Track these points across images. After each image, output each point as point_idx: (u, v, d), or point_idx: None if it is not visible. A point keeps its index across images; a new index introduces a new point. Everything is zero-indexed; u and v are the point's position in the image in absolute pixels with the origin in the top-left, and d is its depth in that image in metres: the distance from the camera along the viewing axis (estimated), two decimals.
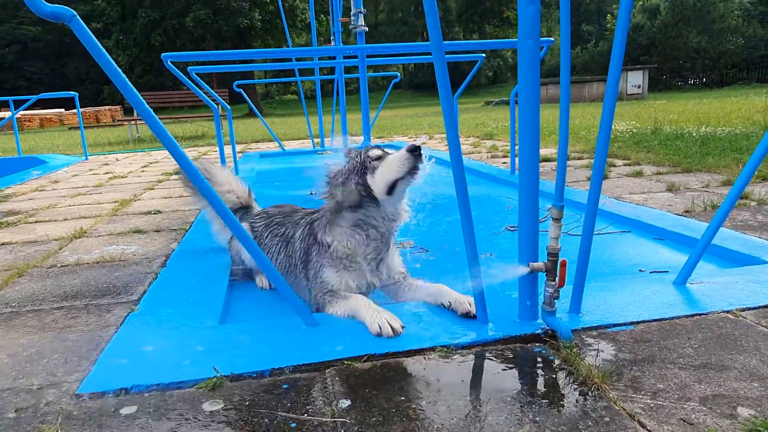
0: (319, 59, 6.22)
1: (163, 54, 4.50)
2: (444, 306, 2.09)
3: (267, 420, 1.46)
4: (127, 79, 1.69)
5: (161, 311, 2.26)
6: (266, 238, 2.62)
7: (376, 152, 2.13)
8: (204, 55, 4.57)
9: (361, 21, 4.76)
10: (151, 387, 1.65)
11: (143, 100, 1.73)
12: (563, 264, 1.78)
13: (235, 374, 1.70)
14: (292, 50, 4.78)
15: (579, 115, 13.93)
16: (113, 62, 1.66)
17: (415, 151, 1.97)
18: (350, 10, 4.81)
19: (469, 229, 1.81)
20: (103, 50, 1.64)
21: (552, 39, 4.72)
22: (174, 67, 4.59)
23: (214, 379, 1.67)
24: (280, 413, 1.49)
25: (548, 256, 1.82)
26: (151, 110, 1.73)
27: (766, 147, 2.02)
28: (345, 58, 5.96)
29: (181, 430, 1.43)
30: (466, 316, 1.98)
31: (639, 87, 25.21)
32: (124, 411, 1.53)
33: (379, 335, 1.87)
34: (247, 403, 1.55)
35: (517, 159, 1.83)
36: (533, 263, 1.83)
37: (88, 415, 1.52)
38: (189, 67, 5.37)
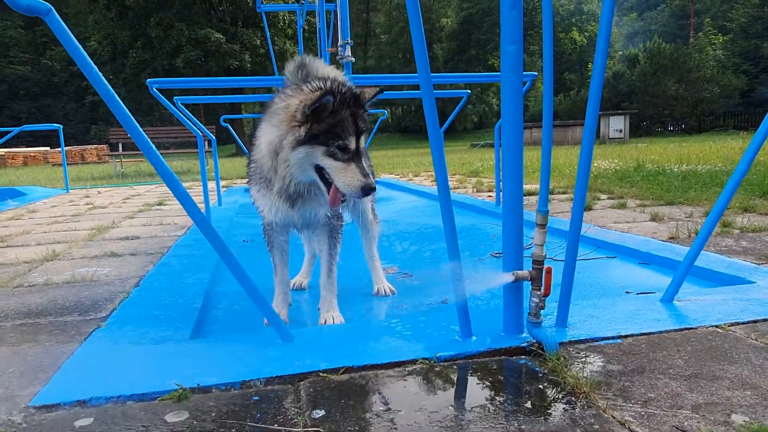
0: None
1: (148, 80, 4.50)
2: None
3: (234, 430, 1.35)
4: (103, 79, 1.65)
5: (130, 327, 2.15)
6: None
7: (352, 145, 1.89)
8: (189, 81, 4.58)
9: (348, 52, 4.82)
10: (110, 399, 1.54)
11: (123, 106, 1.68)
12: (548, 271, 1.72)
13: (202, 386, 1.59)
14: (277, 78, 4.81)
15: (562, 156, 14.14)
16: (89, 60, 1.62)
17: (368, 194, 1.89)
18: (338, 41, 4.88)
19: (452, 232, 1.75)
20: (80, 47, 1.60)
21: (535, 73, 4.81)
22: (159, 94, 4.58)
23: (180, 390, 1.56)
24: (248, 423, 1.38)
25: (533, 263, 1.76)
26: (133, 118, 1.68)
27: (744, 169, 2.02)
28: None
29: None
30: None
31: (620, 131, 25.84)
32: (79, 423, 1.42)
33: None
34: (213, 414, 1.44)
35: (501, 193, 1.78)
36: (517, 271, 1.77)
37: (38, 428, 1.40)
38: (176, 97, 5.38)
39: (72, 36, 1.59)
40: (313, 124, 1.86)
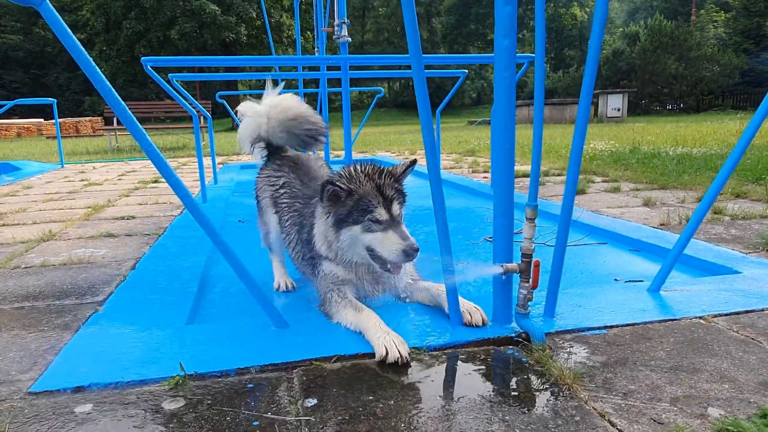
0: (303, 69, 6.23)
1: (143, 58, 4.45)
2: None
3: (229, 419, 1.40)
4: (96, 67, 1.64)
5: (127, 312, 2.19)
6: (287, 218, 2.49)
7: (383, 215, 1.93)
8: (185, 60, 4.54)
9: (345, 31, 4.76)
10: (109, 385, 1.59)
11: (115, 93, 1.68)
12: (536, 264, 1.76)
13: (198, 373, 1.64)
14: (275, 58, 4.78)
15: (560, 135, 14.13)
16: (83, 50, 1.62)
17: (411, 256, 1.86)
18: (335, 20, 4.82)
19: (444, 226, 1.78)
20: (73, 37, 1.60)
21: (532, 55, 4.78)
22: (154, 72, 4.54)
23: (177, 377, 1.60)
24: (243, 412, 1.43)
25: (522, 256, 1.80)
26: (124, 103, 1.69)
27: (736, 159, 2.05)
28: (329, 69, 5.98)
29: (137, 429, 1.37)
30: (468, 325, 1.89)
31: (619, 110, 25.70)
32: (79, 409, 1.47)
33: (384, 359, 1.67)
34: (209, 401, 1.49)
35: None
36: (507, 264, 1.81)
37: (39, 413, 1.45)
38: (171, 74, 5.33)
39: (65, 26, 1.58)
40: (338, 209, 1.97)
